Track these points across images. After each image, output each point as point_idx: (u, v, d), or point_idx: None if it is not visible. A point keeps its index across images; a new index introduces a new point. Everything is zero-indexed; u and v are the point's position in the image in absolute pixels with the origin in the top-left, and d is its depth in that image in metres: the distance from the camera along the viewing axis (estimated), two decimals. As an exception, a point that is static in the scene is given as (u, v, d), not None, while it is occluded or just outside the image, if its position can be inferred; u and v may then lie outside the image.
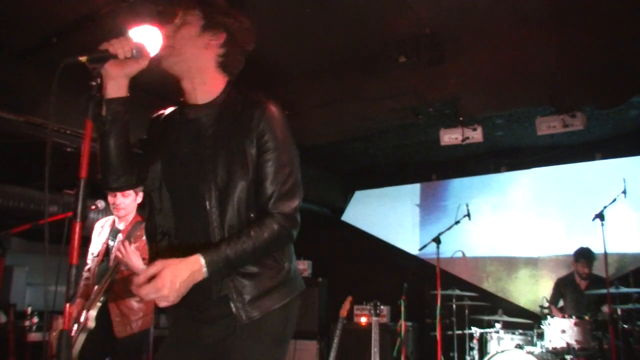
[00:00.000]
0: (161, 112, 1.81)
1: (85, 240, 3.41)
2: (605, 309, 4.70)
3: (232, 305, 1.55)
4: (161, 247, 1.64)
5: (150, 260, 1.66)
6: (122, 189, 1.72)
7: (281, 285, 1.62)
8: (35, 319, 4.83)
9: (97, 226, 3.46)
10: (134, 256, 2.96)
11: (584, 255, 5.29)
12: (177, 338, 1.69)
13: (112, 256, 3.17)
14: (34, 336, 4.60)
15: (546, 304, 5.18)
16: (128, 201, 3.31)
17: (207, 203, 1.56)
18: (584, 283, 5.29)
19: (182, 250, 1.54)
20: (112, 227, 3.39)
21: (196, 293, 1.61)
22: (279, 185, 1.58)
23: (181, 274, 1.42)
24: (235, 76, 1.75)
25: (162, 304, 1.43)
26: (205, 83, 1.67)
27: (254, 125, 1.58)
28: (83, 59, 1.41)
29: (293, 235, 1.62)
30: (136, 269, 2.97)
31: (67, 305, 1.23)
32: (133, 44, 1.50)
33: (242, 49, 1.72)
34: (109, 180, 1.68)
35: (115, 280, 3.13)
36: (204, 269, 1.45)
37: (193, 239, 1.59)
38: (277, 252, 1.63)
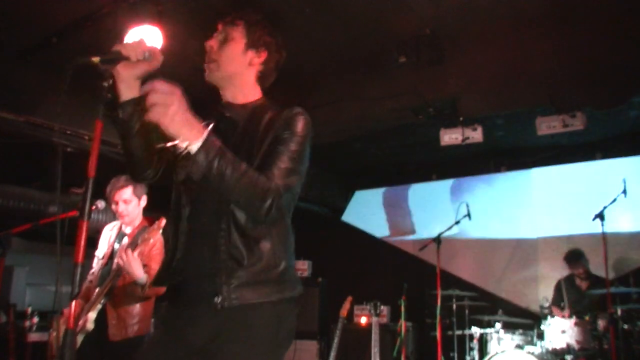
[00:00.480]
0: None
1: (87, 241, 3.40)
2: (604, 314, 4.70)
3: (217, 285, 1.54)
4: (181, 239, 1.68)
5: (170, 251, 1.70)
6: (148, 180, 1.76)
7: (272, 283, 1.60)
8: (35, 319, 4.83)
9: (106, 230, 3.46)
10: (135, 263, 2.95)
11: (569, 258, 5.33)
12: (163, 339, 1.67)
13: (115, 260, 3.16)
14: (34, 336, 4.59)
15: (546, 304, 5.18)
16: (130, 208, 3.30)
17: (219, 196, 1.59)
18: (585, 284, 5.28)
19: (199, 237, 1.63)
20: (119, 231, 3.39)
21: (193, 287, 1.62)
22: (282, 163, 1.59)
23: (187, 114, 1.42)
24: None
25: (156, 114, 1.39)
26: (244, 93, 1.79)
27: (278, 124, 1.65)
28: (95, 59, 1.42)
29: (271, 209, 1.52)
30: (137, 277, 2.97)
31: (73, 303, 1.23)
32: (145, 46, 1.52)
33: (277, 65, 1.85)
34: (136, 174, 1.74)
35: (116, 285, 3.12)
36: (201, 139, 1.43)
37: (207, 229, 1.63)
38: (250, 212, 1.58)
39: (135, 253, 2.96)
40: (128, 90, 1.56)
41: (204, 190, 1.64)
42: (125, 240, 3.26)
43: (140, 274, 2.96)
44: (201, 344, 1.58)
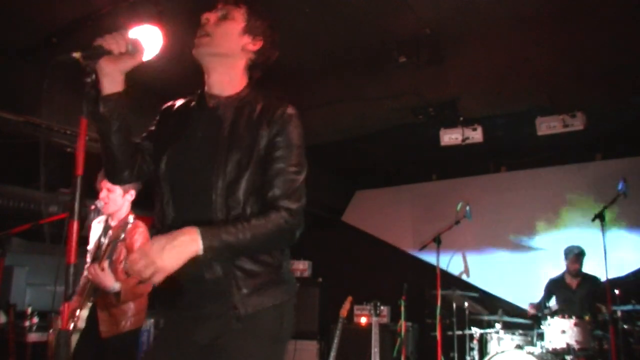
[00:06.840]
0: (172, 103, 1.81)
1: (84, 240, 3.39)
2: (604, 308, 4.70)
3: (233, 298, 1.55)
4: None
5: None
6: (125, 182, 1.72)
7: (276, 284, 1.63)
8: (35, 319, 4.82)
9: (94, 224, 3.44)
10: (104, 276, 2.92)
11: (572, 250, 5.32)
12: (170, 337, 1.67)
13: (84, 274, 3.14)
14: (34, 336, 4.59)
15: (546, 305, 5.17)
16: (113, 196, 3.23)
17: (213, 194, 1.55)
18: (575, 282, 5.29)
19: None
20: (105, 224, 3.37)
21: (193, 291, 1.61)
22: (288, 183, 1.57)
23: (171, 241, 1.39)
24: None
25: (158, 276, 1.37)
26: (232, 80, 1.70)
27: (271, 123, 1.60)
28: (77, 55, 1.39)
29: (295, 234, 1.59)
30: (109, 289, 2.94)
31: (66, 305, 1.22)
32: (128, 39, 1.49)
33: (267, 61, 1.77)
34: (112, 175, 1.69)
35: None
36: (199, 240, 1.41)
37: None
38: (276, 250, 1.62)
39: (106, 264, 2.93)
40: (111, 84, 1.52)
41: (187, 193, 1.60)
42: (110, 233, 3.21)
43: (111, 284, 2.93)
44: (207, 341, 1.60)
